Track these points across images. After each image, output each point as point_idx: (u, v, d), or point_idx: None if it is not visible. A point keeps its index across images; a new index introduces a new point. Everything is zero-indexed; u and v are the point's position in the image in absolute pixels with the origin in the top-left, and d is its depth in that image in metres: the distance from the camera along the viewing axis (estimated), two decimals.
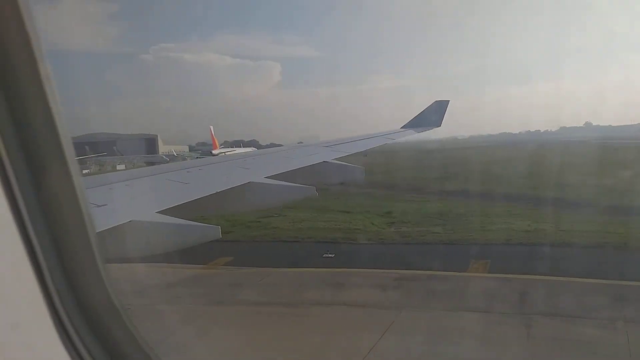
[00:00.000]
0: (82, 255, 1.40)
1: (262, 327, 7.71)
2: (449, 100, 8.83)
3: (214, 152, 64.36)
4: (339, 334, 7.37)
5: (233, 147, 66.73)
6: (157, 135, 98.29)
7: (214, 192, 4.40)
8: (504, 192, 20.05)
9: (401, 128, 8.85)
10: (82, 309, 1.37)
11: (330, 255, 11.56)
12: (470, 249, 11.69)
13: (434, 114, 8.76)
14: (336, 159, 5.95)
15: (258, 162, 5.66)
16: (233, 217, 16.38)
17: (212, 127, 70.92)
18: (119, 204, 3.77)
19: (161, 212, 3.88)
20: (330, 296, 8.99)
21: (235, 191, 4.61)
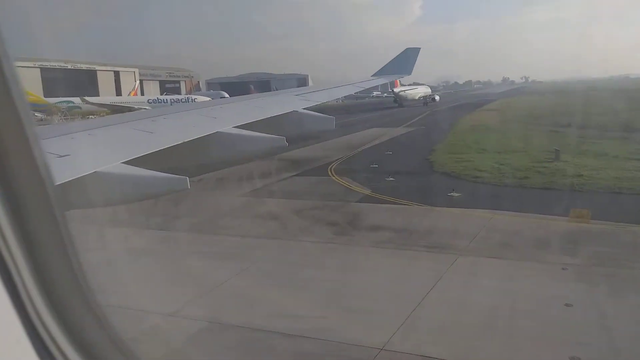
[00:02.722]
0: (53, 249, 1.32)
1: None
2: (419, 48, 8.78)
3: (395, 90, 61.28)
4: None
5: (414, 86, 64.07)
6: (307, 75, 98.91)
7: (180, 142, 4.37)
8: None
9: (372, 76, 8.71)
10: (53, 307, 1.30)
11: None
12: None
13: (405, 61, 8.75)
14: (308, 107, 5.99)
15: (227, 111, 5.43)
16: (512, 162, 17.32)
17: None
18: (85, 154, 3.62)
19: (126, 162, 3.87)
20: None
21: (202, 141, 4.61)
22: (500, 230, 10.95)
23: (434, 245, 10.01)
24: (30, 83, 54.61)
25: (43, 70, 69.37)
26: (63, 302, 1.33)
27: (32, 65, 66.85)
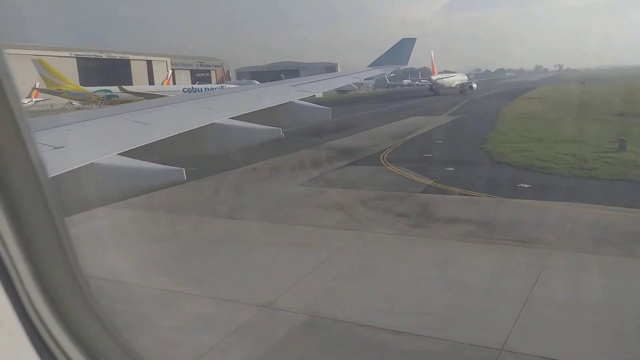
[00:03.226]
0: (52, 250, 1.35)
1: None
2: (415, 39, 8.93)
3: (432, 77, 64.90)
4: None
5: (451, 74, 67.98)
6: (336, 64, 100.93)
7: (175, 133, 4.44)
8: None
9: (368, 67, 8.91)
10: (52, 305, 1.31)
11: None
12: None
13: (401, 52, 8.85)
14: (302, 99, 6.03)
15: (223, 101, 5.68)
16: (575, 152, 17.35)
17: (432, 52, 72.42)
18: (80, 146, 3.78)
19: (122, 154, 3.91)
20: None
21: (197, 132, 4.66)
22: (587, 224, 10.37)
23: (522, 239, 9.47)
24: (67, 72, 56.69)
25: (79, 59, 72.06)
26: (62, 300, 1.35)
27: (69, 55, 70.61)
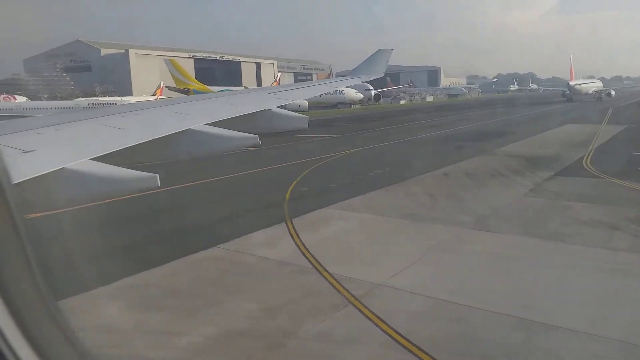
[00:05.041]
0: (11, 250, 1.33)
1: None
2: (392, 49, 9.29)
3: (570, 83, 62.76)
4: None
5: (590, 80, 66.26)
6: (439, 67, 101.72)
7: (150, 139, 4.49)
8: None
9: (345, 77, 9.13)
10: (10, 311, 1.29)
11: None
12: None
13: (377, 62, 9.20)
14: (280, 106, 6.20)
15: (199, 107, 5.71)
16: None
17: (571, 57, 70.14)
18: (52, 150, 3.76)
19: (95, 159, 3.94)
20: None
21: (173, 138, 4.72)
22: None
23: None
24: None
25: (196, 60, 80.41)
26: (20, 306, 1.33)
27: (187, 56, 79.07)
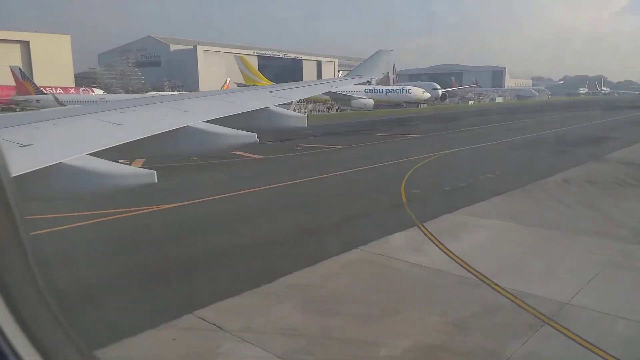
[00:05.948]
0: (10, 247, 1.33)
1: None
2: (392, 50, 9.32)
3: None
4: None
5: None
6: (504, 68, 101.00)
7: (148, 135, 4.50)
8: None
9: (343, 77, 9.14)
10: (10, 308, 1.29)
11: None
12: None
13: (376, 63, 9.23)
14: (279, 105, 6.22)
15: (198, 105, 5.73)
16: None
17: None
18: (49, 145, 3.77)
19: (92, 154, 3.96)
20: None
21: (171, 135, 4.74)
22: None
23: None
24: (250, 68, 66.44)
25: (260, 57, 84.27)
26: (20, 303, 1.33)
27: (252, 53, 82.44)
